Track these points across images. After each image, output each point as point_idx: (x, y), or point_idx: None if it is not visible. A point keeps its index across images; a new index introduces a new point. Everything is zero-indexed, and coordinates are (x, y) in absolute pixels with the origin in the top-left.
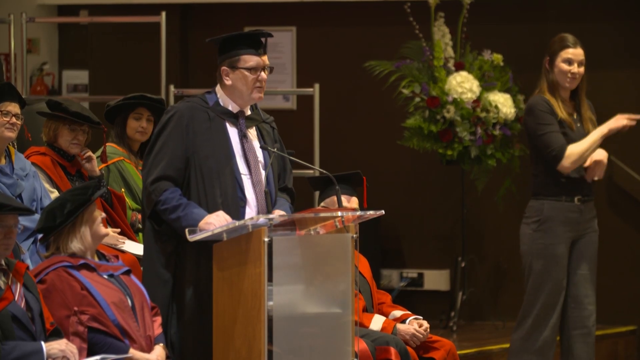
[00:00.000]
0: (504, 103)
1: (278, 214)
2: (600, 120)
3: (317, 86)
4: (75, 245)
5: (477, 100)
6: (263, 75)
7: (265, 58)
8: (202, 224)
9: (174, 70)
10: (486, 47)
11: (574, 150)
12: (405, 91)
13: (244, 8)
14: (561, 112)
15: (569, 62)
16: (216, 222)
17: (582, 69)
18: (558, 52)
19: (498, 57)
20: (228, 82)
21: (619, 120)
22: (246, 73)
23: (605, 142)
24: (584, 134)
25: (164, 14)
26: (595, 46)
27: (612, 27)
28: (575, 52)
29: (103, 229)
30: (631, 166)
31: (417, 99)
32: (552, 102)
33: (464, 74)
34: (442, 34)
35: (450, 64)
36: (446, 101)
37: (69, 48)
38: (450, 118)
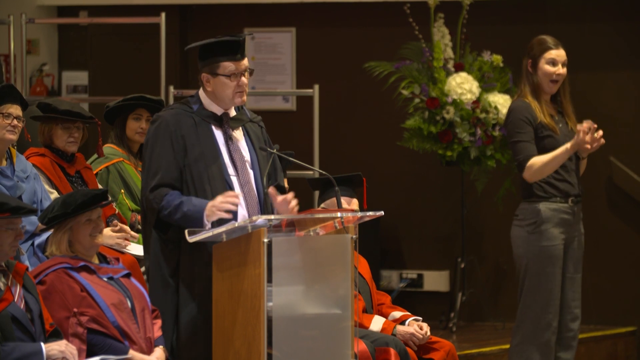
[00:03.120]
0: (503, 104)
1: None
2: (599, 120)
3: (316, 87)
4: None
5: (477, 101)
6: (243, 79)
7: (244, 61)
8: (208, 208)
9: (174, 71)
10: (486, 48)
11: (535, 162)
12: (405, 92)
13: (243, 9)
14: (543, 115)
15: (553, 63)
16: (220, 205)
17: (565, 70)
18: (541, 53)
19: (498, 58)
20: (209, 88)
21: (584, 141)
22: (225, 80)
23: (605, 143)
24: (568, 132)
25: (163, 15)
26: (595, 46)
27: (612, 27)
28: (559, 53)
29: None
30: (631, 167)
31: (417, 100)
32: (534, 106)
33: (463, 74)
34: (441, 34)
35: (450, 65)
36: (446, 102)
37: (69, 49)
38: (450, 119)
